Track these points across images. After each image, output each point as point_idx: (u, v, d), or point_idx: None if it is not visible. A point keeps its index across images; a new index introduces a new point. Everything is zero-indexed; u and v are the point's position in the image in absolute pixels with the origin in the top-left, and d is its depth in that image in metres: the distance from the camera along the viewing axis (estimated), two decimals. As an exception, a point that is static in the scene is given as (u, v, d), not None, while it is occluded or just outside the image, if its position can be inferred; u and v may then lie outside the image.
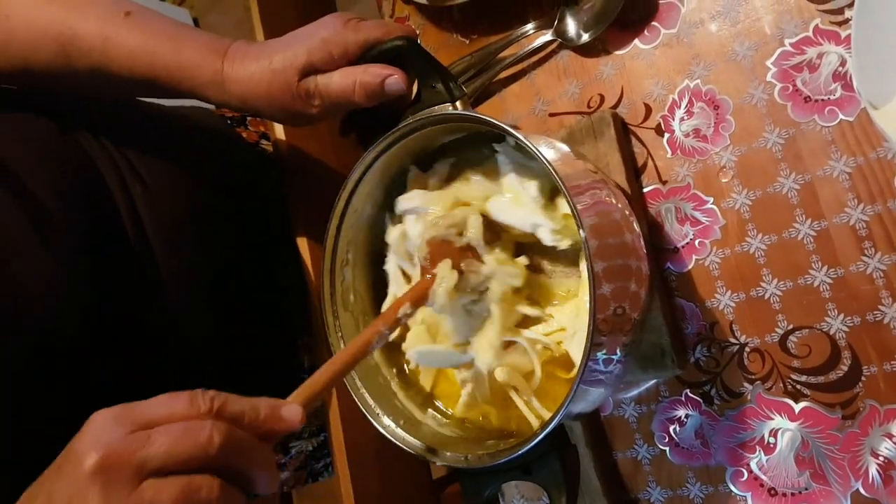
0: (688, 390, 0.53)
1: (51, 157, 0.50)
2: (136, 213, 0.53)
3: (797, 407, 0.49)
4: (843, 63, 0.46)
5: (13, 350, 0.43)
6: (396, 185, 0.55)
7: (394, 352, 0.53)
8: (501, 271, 0.47)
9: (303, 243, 0.64)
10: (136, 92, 0.54)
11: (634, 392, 0.55)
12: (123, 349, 0.49)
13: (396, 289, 0.53)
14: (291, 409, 0.36)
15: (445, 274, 0.45)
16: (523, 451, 0.40)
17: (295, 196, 0.66)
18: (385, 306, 0.53)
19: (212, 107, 0.73)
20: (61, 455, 0.33)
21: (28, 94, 0.55)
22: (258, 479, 0.33)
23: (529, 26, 0.58)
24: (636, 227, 0.45)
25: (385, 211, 0.55)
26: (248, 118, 0.72)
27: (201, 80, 0.50)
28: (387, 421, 0.47)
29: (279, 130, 0.67)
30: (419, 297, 0.45)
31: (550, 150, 0.44)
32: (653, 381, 0.54)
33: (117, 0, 0.52)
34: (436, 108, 0.51)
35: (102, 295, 0.48)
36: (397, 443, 0.46)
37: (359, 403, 0.48)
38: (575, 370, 0.44)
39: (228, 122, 0.71)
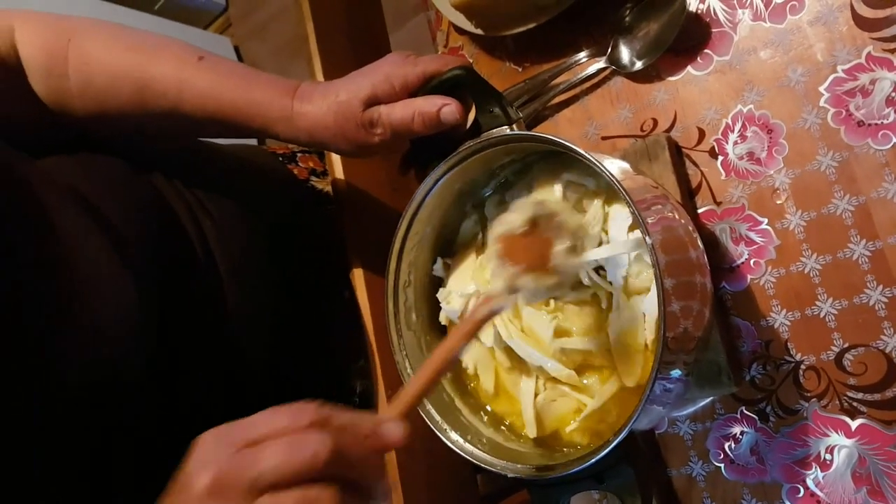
0: (743, 407, 0.54)
1: (126, 193, 0.53)
2: (207, 245, 0.55)
3: (854, 424, 0.49)
4: (896, 88, 0.48)
5: (85, 379, 0.44)
6: (456, 208, 0.57)
7: (458, 375, 0.54)
8: None
9: (358, 272, 0.66)
10: (207, 131, 0.57)
11: (690, 409, 0.56)
12: (187, 375, 0.51)
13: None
14: (393, 428, 0.36)
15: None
16: (596, 459, 0.41)
17: (351, 227, 0.68)
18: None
19: (265, 147, 0.76)
20: (172, 482, 0.33)
21: (99, 138, 0.58)
22: (373, 489, 0.33)
23: (582, 54, 0.60)
24: (700, 243, 0.46)
25: (445, 232, 0.57)
26: (299, 155, 0.76)
27: (272, 117, 0.53)
28: (454, 436, 0.48)
29: (338, 169, 0.70)
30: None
31: (612, 166, 0.45)
32: (708, 399, 0.55)
33: (190, 46, 0.55)
34: (494, 130, 0.53)
35: (174, 323, 0.50)
36: (466, 457, 0.47)
37: (426, 419, 0.49)
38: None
39: (280, 159, 0.74)
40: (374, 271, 0.61)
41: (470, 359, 0.55)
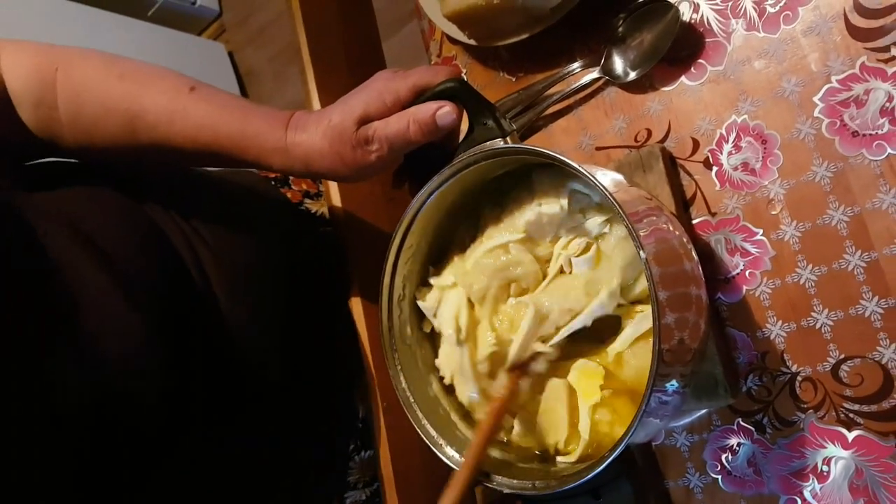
0: (740, 419, 0.53)
1: (122, 221, 0.52)
2: (203, 270, 0.55)
3: (850, 435, 0.49)
4: (890, 99, 0.47)
5: (96, 405, 0.44)
6: (450, 220, 0.56)
7: (453, 388, 0.54)
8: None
9: (356, 291, 0.65)
10: (197, 162, 0.56)
11: (686, 421, 0.56)
12: (188, 398, 0.51)
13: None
14: None
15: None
16: (592, 474, 0.40)
17: (349, 243, 0.68)
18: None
19: (256, 171, 0.77)
20: None
21: (92, 168, 0.58)
22: None
23: (576, 64, 0.60)
24: (694, 254, 0.46)
25: (439, 244, 0.56)
26: (291, 178, 0.76)
27: (266, 149, 0.53)
28: (450, 451, 0.48)
29: (335, 196, 0.69)
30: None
31: (605, 178, 0.45)
32: (705, 411, 0.55)
33: (182, 76, 0.55)
34: (487, 143, 0.52)
35: (175, 346, 0.50)
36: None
37: (422, 435, 0.49)
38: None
39: (273, 182, 0.73)
40: (373, 287, 0.60)
41: (448, 369, 0.55)
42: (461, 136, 0.54)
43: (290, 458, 0.59)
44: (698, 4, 0.55)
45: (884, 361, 0.48)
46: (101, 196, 0.53)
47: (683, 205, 0.55)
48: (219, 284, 0.55)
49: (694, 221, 0.55)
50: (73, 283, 0.45)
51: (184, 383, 0.49)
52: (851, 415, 0.49)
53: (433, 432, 0.49)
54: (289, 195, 0.74)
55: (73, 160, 0.57)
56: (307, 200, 0.74)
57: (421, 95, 0.52)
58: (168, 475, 0.49)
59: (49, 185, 0.52)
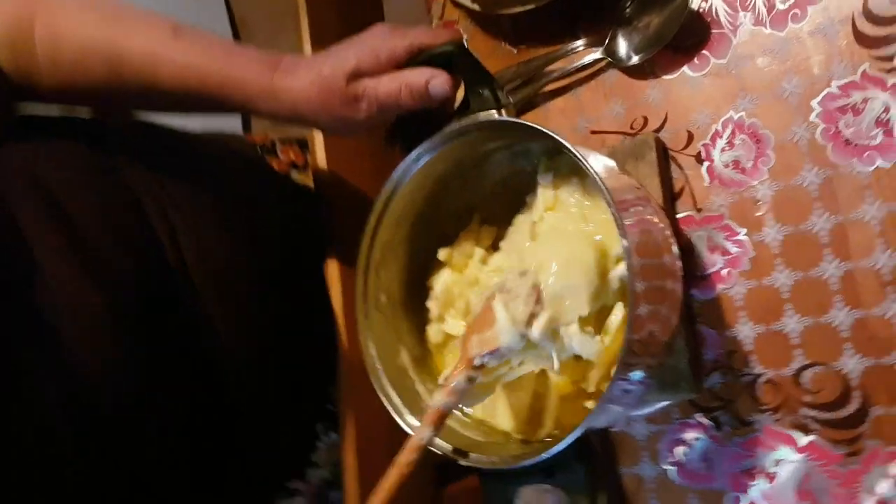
0: (699, 414, 0.54)
1: (94, 186, 0.50)
2: (179, 249, 0.52)
3: (803, 440, 0.50)
4: (886, 110, 0.47)
5: (56, 398, 0.42)
6: (437, 190, 0.56)
7: (424, 359, 0.54)
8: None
9: (333, 258, 0.63)
10: (184, 106, 0.54)
11: (646, 411, 0.56)
12: (169, 393, 0.49)
13: None
14: None
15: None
16: (549, 454, 0.41)
17: (332, 216, 0.66)
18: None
19: (242, 136, 0.73)
20: None
21: (67, 120, 0.56)
22: None
23: (580, 42, 0.58)
24: (675, 249, 0.46)
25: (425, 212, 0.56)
26: (279, 147, 0.73)
27: (253, 92, 0.51)
28: (412, 420, 0.48)
29: (321, 157, 0.67)
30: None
31: (598, 163, 0.44)
32: (666, 402, 0.55)
33: (164, 17, 0.53)
34: (482, 114, 0.52)
35: (148, 336, 0.48)
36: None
37: (385, 402, 0.49)
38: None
39: (259, 151, 0.71)
40: (352, 252, 0.58)
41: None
42: (457, 102, 0.53)
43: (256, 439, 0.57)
44: (708, -7, 0.54)
45: (845, 371, 0.48)
46: (67, 150, 0.50)
47: (670, 198, 0.55)
48: (195, 266, 0.52)
49: (678, 216, 0.55)
50: (31, 250, 0.43)
51: (153, 363, 0.47)
52: (807, 420, 0.50)
53: (397, 400, 0.49)
54: (275, 164, 0.72)
55: (41, 115, 0.54)
56: (293, 171, 0.73)
57: (418, 56, 0.51)
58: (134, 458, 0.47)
59: (14, 138, 0.49)
